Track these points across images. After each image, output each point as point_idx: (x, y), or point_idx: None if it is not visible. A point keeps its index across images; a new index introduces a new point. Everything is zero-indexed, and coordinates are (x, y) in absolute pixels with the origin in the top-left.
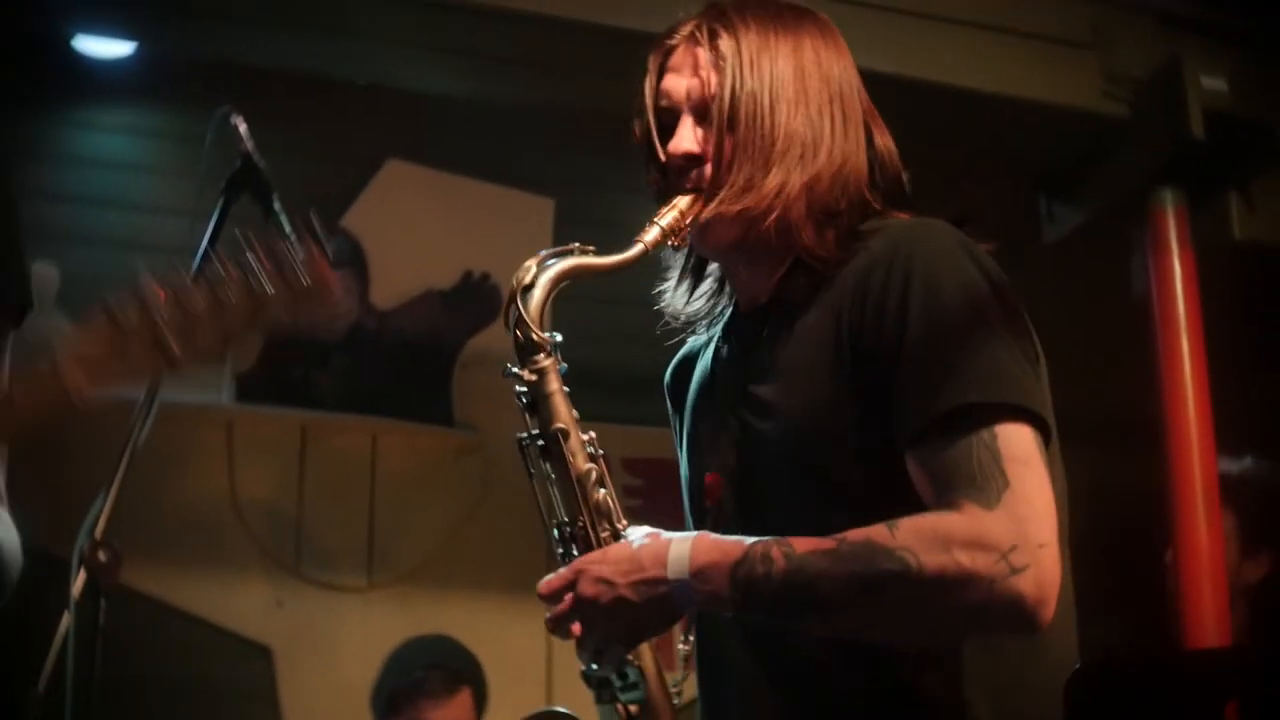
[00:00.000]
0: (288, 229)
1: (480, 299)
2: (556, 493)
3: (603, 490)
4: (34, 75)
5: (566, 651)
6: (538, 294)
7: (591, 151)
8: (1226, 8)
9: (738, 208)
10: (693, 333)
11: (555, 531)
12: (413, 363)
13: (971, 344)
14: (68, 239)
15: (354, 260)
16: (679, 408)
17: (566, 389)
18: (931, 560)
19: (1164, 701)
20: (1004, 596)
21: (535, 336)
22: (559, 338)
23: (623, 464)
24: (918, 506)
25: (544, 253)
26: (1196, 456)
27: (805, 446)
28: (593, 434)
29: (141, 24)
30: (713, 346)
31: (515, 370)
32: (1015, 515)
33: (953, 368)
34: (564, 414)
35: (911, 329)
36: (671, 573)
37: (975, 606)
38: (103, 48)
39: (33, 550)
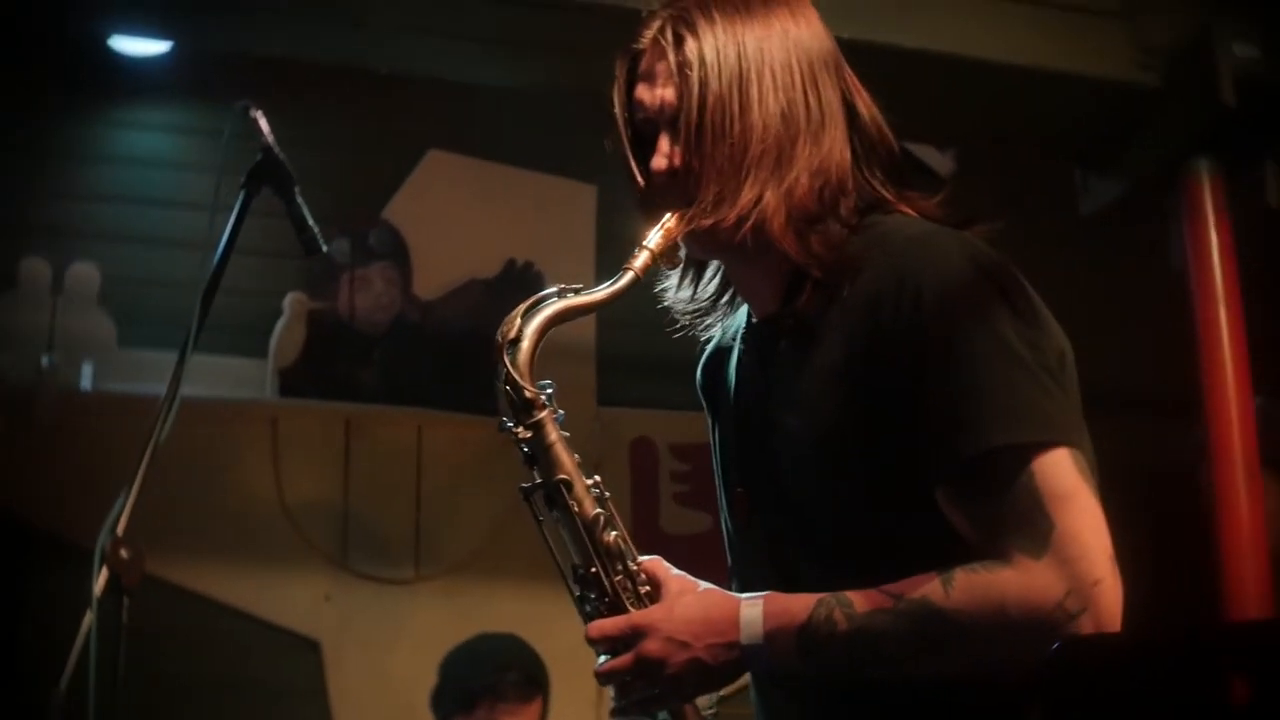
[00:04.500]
0: (309, 220)
1: (524, 287)
2: (567, 538)
3: (614, 533)
4: (71, 77)
5: None
6: (525, 345)
7: None
8: None
9: (709, 222)
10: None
11: (571, 574)
12: (457, 353)
13: (991, 377)
14: (108, 238)
15: (396, 252)
16: (713, 409)
17: (566, 435)
18: (987, 623)
19: (1154, 678)
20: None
21: (527, 393)
22: (551, 388)
23: (670, 449)
24: (941, 519)
25: (527, 301)
26: (1236, 427)
27: (824, 480)
28: (597, 478)
29: (175, 22)
30: (736, 352)
31: (510, 426)
32: (1065, 559)
33: (975, 408)
34: (566, 464)
35: (929, 367)
36: (745, 637)
37: (1036, 653)
38: (138, 47)
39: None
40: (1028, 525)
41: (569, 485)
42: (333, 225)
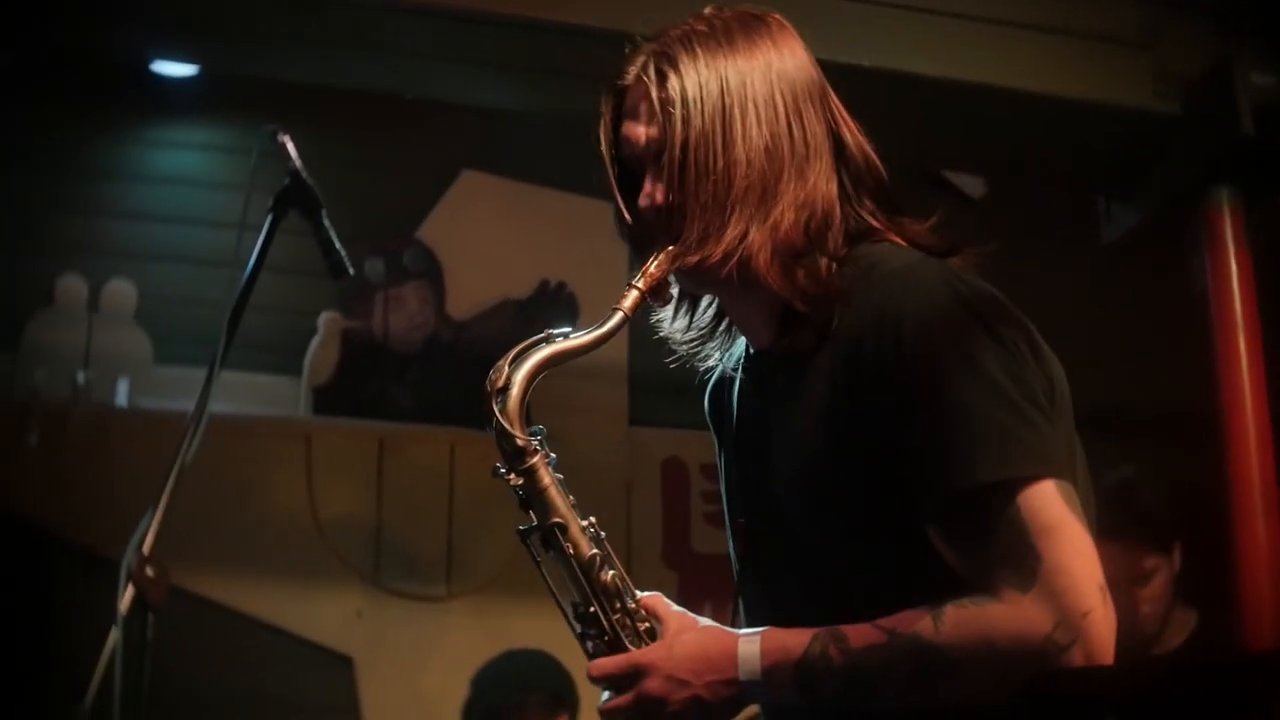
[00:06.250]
0: (336, 244)
1: (557, 308)
2: (566, 578)
3: (611, 572)
4: (107, 99)
5: None
6: (514, 393)
7: None
8: (1277, 3)
9: (694, 259)
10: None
11: (570, 610)
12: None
13: (972, 411)
14: (144, 256)
15: (430, 271)
16: (719, 437)
17: (560, 477)
18: (977, 657)
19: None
20: None
21: (519, 441)
22: (542, 433)
23: (702, 469)
24: (931, 552)
25: (516, 348)
26: (1254, 454)
27: (815, 515)
28: (593, 519)
29: (212, 47)
30: (738, 381)
31: (504, 472)
32: (1052, 592)
33: (958, 445)
34: (560, 507)
35: (910, 402)
36: (743, 674)
37: (1027, 683)
38: (175, 69)
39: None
40: (1014, 560)
41: (563, 528)
42: (367, 245)
